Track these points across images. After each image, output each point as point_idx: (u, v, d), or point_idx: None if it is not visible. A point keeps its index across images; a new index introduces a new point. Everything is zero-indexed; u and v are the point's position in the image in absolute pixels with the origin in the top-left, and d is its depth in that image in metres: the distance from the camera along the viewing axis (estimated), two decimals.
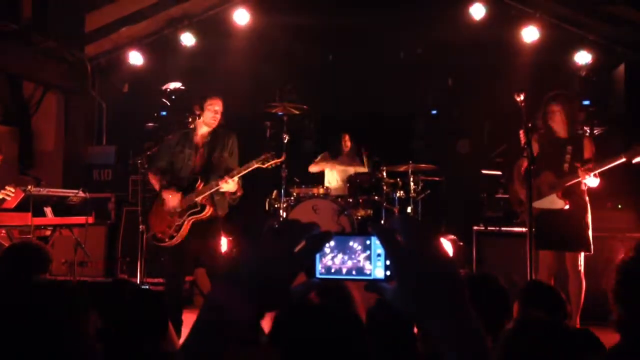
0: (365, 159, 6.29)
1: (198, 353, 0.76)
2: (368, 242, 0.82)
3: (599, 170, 3.95)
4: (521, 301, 2.05)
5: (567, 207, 4.07)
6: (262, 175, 4.48)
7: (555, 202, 4.11)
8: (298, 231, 0.79)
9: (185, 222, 4.02)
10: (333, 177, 6.43)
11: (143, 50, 6.97)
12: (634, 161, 3.79)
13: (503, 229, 5.29)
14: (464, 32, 6.38)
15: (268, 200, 5.98)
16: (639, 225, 4.87)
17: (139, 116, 7.11)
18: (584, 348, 1.30)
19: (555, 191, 4.12)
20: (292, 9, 6.55)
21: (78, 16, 6.48)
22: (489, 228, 5.38)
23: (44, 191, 4.88)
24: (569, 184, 4.08)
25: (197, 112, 4.12)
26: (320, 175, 6.53)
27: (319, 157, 6.50)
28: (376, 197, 5.78)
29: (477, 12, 6.35)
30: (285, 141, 5.38)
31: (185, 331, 3.95)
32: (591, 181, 4.01)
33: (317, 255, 0.82)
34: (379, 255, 0.81)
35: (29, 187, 4.67)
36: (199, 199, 4.02)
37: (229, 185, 3.98)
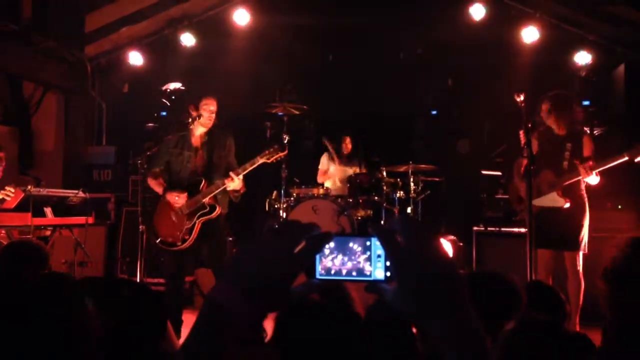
0: (364, 164, 6.28)
1: (198, 353, 0.76)
2: (368, 243, 0.82)
3: (601, 169, 3.96)
4: None
5: (567, 205, 4.07)
6: (262, 176, 4.49)
7: (556, 200, 4.11)
8: (298, 232, 0.79)
9: (197, 224, 4.03)
10: (333, 177, 6.43)
11: (143, 51, 6.97)
12: (636, 160, 3.80)
13: (503, 229, 5.29)
14: (464, 32, 6.38)
15: (268, 200, 5.98)
16: (639, 225, 4.87)
17: (139, 116, 7.11)
18: (584, 349, 1.30)
19: (555, 189, 4.12)
20: (292, 9, 6.55)
21: (78, 16, 6.48)
22: (488, 228, 5.38)
23: (43, 191, 4.88)
24: (569, 182, 4.08)
25: (193, 113, 4.11)
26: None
27: (320, 164, 6.49)
28: (376, 198, 5.78)
29: (477, 12, 6.35)
30: (285, 141, 5.38)
31: (185, 331, 3.95)
32: (592, 179, 4.01)
33: (317, 256, 0.82)
34: (379, 256, 0.81)
35: (29, 187, 4.67)
36: (205, 199, 4.02)
37: (235, 182, 3.99)
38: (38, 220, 4.83)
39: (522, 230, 4.89)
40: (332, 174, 6.41)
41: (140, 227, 4.09)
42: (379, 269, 0.81)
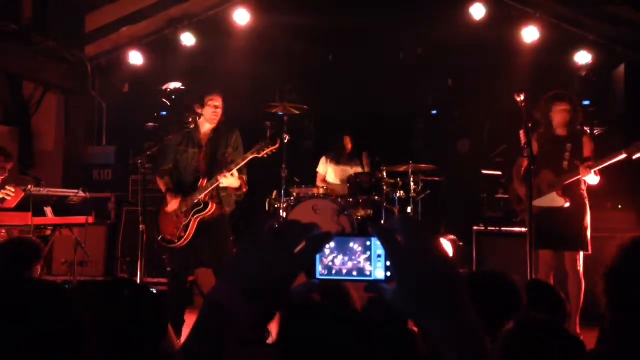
0: (365, 163, 6.27)
1: (198, 353, 0.76)
2: (368, 243, 0.82)
3: (600, 167, 3.96)
4: None
5: (567, 204, 4.07)
6: (262, 176, 4.48)
7: (556, 200, 4.11)
8: (298, 232, 0.79)
9: (192, 221, 4.04)
10: (333, 177, 6.42)
11: (143, 51, 6.97)
12: (634, 157, 3.80)
13: (503, 229, 5.29)
14: (464, 32, 6.38)
15: (268, 200, 5.97)
16: (639, 225, 4.87)
17: (139, 116, 7.11)
18: (581, 350, 1.30)
19: (555, 189, 4.12)
20: (292, 9, 6.56)
21: (78, 16, 6.48)
22: (489, 228, 5.38)
23: (44, 191, 4.88)
24: (568, 181, 4.08)
25: (198, 111, 4.12)
26: None
27: (319, 167, 6.47)
28: (376, 197, 5.77)
29: (477, 12, 6.35)
30: (286, 141, 5.38)
31: (186, 331, 3.95)
32: (592, 179, 4.02)
33: (318, 256, 0.82)
34: (379, 256, 0.81)
35: (29, 187, 4.67)
36: (201, 196, 4.03)
37: (229, 179, 3.97)
38: (38, 220, 4.84)
39: (523, 230, 4.89)
40: (332, 174, 6.40)
41: (141, 226, 4.09)
42: (379, 269, 0.81)
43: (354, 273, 0.82)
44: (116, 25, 6.66)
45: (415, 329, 1.54)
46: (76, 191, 5.25)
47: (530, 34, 6.33)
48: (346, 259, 0.82)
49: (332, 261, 0.82)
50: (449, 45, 6.58)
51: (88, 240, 5.25)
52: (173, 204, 4.09)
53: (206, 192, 4.02)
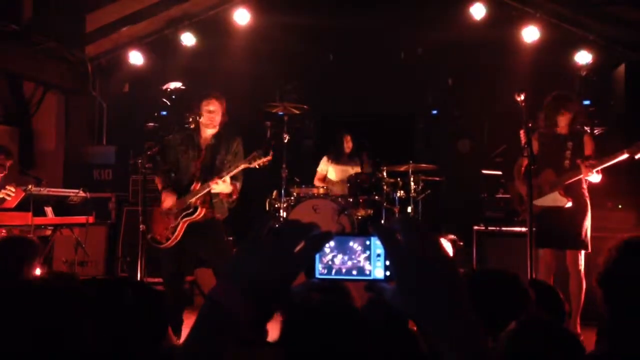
0: (365, 162, 6.27)
1: (198, 353, 0.77)
2: (368, 242, 0.82)
3: (602, 167, 3.96)
4: None
5: (569, 204, 4.08)
6: (263, 176, 4.48)
7: (558, 199, 4.11)
8: (298, 232, 0.79)
9: (180, 224, 4.03)
10: (333, 177, 6.42)
11: (143, 50, 6.97)
12: (636, 157, 3.81)
13: (503, 228, 5.29)
14: (464, 32, 6.38)
15: (268, 200, 5.98)
16: (639, 225, 4.87)
17: (139, 116, 7.12)
18: (583, 351, 1.30)
19: (557, 189, 4.12)
20: (292, 9, 6.56)
21: (78, 16, 6.48)
22: (489, 228, 5.38)
23: (44, 191, 4.88)
24: (570, 180, 4.09)
25: (192, 115, 4.12)
26: None
27: (319, 166, 6.47)
28: (376, 197, 5.77)
29: (478, 12, 6.35)
30: (286, 141, 5.38)
31: (185, 331, 3.95)
32: (593, 177, 4.02)
33: (317, 256, 0.82)
34: (378, 255, 0.81)
35: (30, 186, 4.68)
36: (192, 200, 4.02)
37: (220, 186, 3.97)
38: (39, 220, 4.84)
39: (523, 229, 4.89)
40: (333, 173, 6.40)
41: (141, 226, 4.09)
42: (378, 268, 0.81)
43: (354, 272, 0.82)
44: (116, 25, 6.67)
45: (415, 328, 1.54)
46: (76, 191, 5.26)
47: (530, 34, 6.33)
48: (346, 258, 0.82)
49: (331, 260, 0.82)
50: (449, 45, 6.59)
51: (88, 240, 5.25)
52: (169, 201, 4.08)
53: (197, 196, 4.01)
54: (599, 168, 3.96)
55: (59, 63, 6.69)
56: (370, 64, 7.19)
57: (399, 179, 5.91)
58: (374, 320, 1.25)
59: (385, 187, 5.75)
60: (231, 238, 5.27)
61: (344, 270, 0.82)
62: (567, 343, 1.31)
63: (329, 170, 6.42)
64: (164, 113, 7.17)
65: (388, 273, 0.80)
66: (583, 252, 4.10)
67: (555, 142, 4.26)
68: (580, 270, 4.07)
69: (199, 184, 4.02)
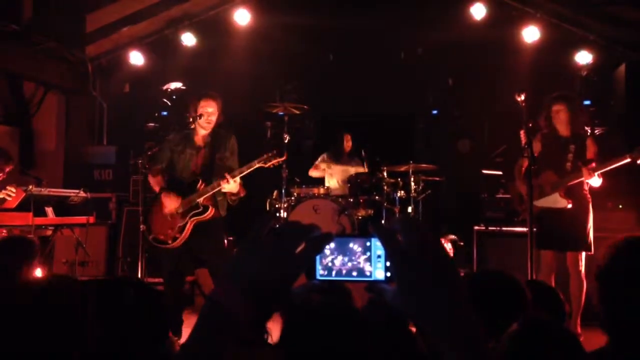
0: (364, 161, 6.28)
1: (198, 353, 0.77)
2: (368, 243, 0.82)
3: (603, 171, 3.96)
4: None
5: (569, 205, 4.08)
6: (263, 176, 4.48)
7: (558, 201, 4.12)
8: (298, 233, 0.79)
9: (188, 224, 4.03)
10: (333, 177, 6.42)
11: (144, 50, 6.97)
12: (638, 162, 3.80)
13: (504, 228, 5.29)
14: (464, 32, 6.38)
15: (269, 200, 5.98)
16: (639, 225, 4.87)
17: (139, 116, 7.12)
18: (584, 352, 1.30)
19: (558, 190, 4.13)
20: (292, 9, 6.56)
21: (79, 16, 6.48)
22: (489, 228, 5.38)
23: (44, 191, 4.88)
24: (571, 183, 4.09)
25: (193, 114, 4.12)
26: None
27: (318, 160, 6.47)
28: (377, 197, 5.78)
29: (478, 12, 6.35)
30: (286, 141, 5.38)
31: (185, 331, 3.96)
32: (594, 181, 4.02)
33: (318, 257, 0.82)
34: (379, 256, 0.81)
35: (30, 187, 4.68)
36: (200, 199, 4.02)
37: (231, 185, 3.97)
38: (39, 220, 4.84)
39: (523, 230, 4.89)
40: (332, 172, 6.40)
41: (142, 226, 4.09)
42: (379, 269, 0.81)
43: (354, 273, 0.82)
44: (117, 25, 6.67)
45: (414, 329, 1.54)
46: (77, 191, 5.26)
47: (530, 34, 6.33)
48: (346, 259, 0.82)
49: (332, 261, 0.82)
50: (449, 45, 6.58)
51: (89, 240, 5.25)
52: (172, 203, 4.07)
53: (206, 195, 4.01)
54: (600, 172, 3.96)
55: (59, 63, 6.69)
56: (370, 64, 7.19)
57: (399, 179, 5.91)
58: (374, 321, 1.26)
59: (385, 187, 5.75)
60: (231, 238, 5.28)
61: (344, 272, 0.82)
62: (568, 344, 1.31)
63: (325, 167, 6.41)
64: (165, 113, 7.17)
65: (388, 274, 0.80)
66: (584, 253, 4.10)
67: (557, 144, 4.26)
68: (580, 271, 4.07)
69: (204, 184, 4.03)
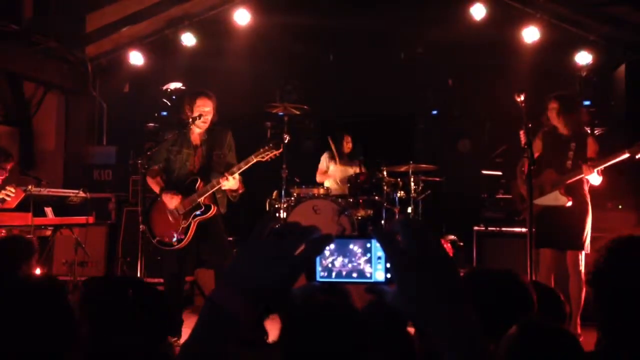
0: (362, 165, 6.27)
1: (198, 353, 0.77)
2: (368, 244, 0.82)
3: (603, 166, 3.97)
4: None
5: (569, 203, 4.08)
6: (263, 176, 4.48)
7: (558, 198, 4.12)
8: (298, 234, 0.79)
9: (192, 224, 4.02)
10: (333, 177, 6.42)
11: (144, 51, 6.97)
12: (637, 157, 3.81)
13: (503, 229, 5.29)
14: (464, 32, 6.38)
15: (268, 200, 5.98)
16: (639, 225, 4.87)
17: (139, 116, 7.12)
18: (583, 351, 1.30)
19: (558, 188, 4.13)
20: (292, 9, 6.56)
21: (79, 16, 6.48)
22: (489, 228, 5.38)
23: (44, 191, 4.88)
24: (571, 180, 4.09)
25: (188, 113, 4.11)
26: None
27: (321, 162, 6.47)
28: (377, 198, 5.77)
29: (478, 12, 6.34)
30: (286, 141, 5.37)
31: (185, 331, 3.95)
32: (594, 178, 4.02)
33: (318, 258, 0.82)
34: (379, 257, 0.81)
35: (30, 187, 4.67)
36: (201, 199, 4.01)
37: (230, 182, 3.97)
38: (39, 220, 4.84)
39: (523, 230, 4.90)
40: (332, 173, 6.41)
41: (141, 226, 4.09)
42: (379, 271, 0.81)
43: (354, 275, 0.82)
44: (117, 25, 6.66)
45: (412, 329, 1.54)
46: (76, 191, 5.26)
47: (530, 34, 6.33)
48: (346, 260, 0.82)
49: (332, 263, 0.82)
50: (449, 45, 6.59)
51: (88, 241, 5.25)
52: (173, 201, 4.06)
53: (207, 194, 4.01)
54: (599, 167, 3.97)
55: (59, 63, 6.69)
56: (370, 64, 7.19)
57: (399, 179, 5.91)
58: (373, 322, 1.26)
59: (385, 188, 5.75)
60: (231, 238, 5.28)
61: (344, 273, 0.82)
62: (568, 345, 1.31)
63: (330, 167, 6.42)
64: (164, 113, 7.17)
65: (389, 275, 0.80)
66: (583, 252, 4.10)
67: (558, 143, 4.26)
68: (580, 271, 4.07)
69: (202, 183, 4.02)
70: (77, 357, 1.40)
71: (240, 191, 4.15)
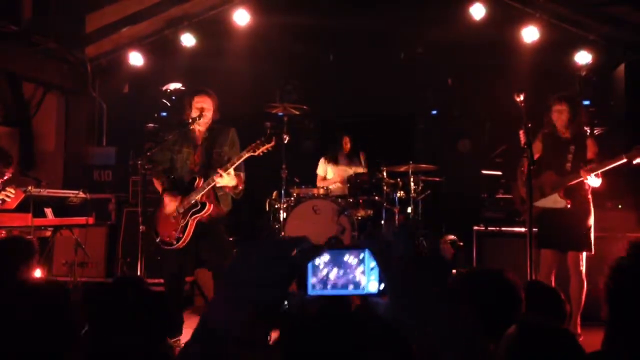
0: (363, 161, 6.28)
1: (198, 354, 0.77)
2: (361, 255, 0.81)
3: (600, 171, 3.97)
4: None
5: (568, 206, 4.09)
6: (263, 176, 4.48)
7: (558, 201, 4.12)
8: (289, 246, 0.79)
9: (190, 222, 4.03)
10: (333, 177, 6.42)
11: (143, 51, 6.97)
12: (634, 162, 3.81)
13: (503, 229, 5.29)
14: (464, 32, 6.38)
15: (268, 200, 5.98)
16: (639, 225, 4.87)
17: (139, 117, 7.12)
18: (584, 353, 1.30)
19: (557, 190, 4.13)
20: (292, 9, 6.56)
21: (78, 17, 6.48)
22: (489, 228, 5.38)
23: (44, 192, 4.88)
24: (570, 183, 4.09)
25: (188, 113, 4.12)
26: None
27: (318, 168, 6.46)
28: (376, 198, 5.78)
29: (477, 12, 6.35)
30: (285, 141, 5.37)
31: (185, 330, 3.95)
32: (593, 181, 4.03)
33: (311, 271, 0.81)
34: (372, 268, 0.80)
35: (29, 188, 4.67)
36: (198, 197, 4.02)
37: (225, 179, 3.95)
38: (38, 221, 4.83)
39: (523, 230, 4.89)
40: (332, 175, 6.40)
41: (141, 227, 4.08)
42: (372, 282, 0.80)
43: (350, 287, 0.81)
44: (116, 25, 6.67)
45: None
46: (76, 192, 5.25)
47: (530, 34, 6.33)
48: (341, 272, 0.81)
49: (327, 275, 0.81)
50: (449, 45, 6.59)
51: (88, 241, 5.25)
52: (171, 205, 4.08)
53: (203, 192, 4.01)
54: (597, 172, 3.97)
55: (59, 63, 6.69)
56: (370, 64, 7.19)
57: (399, 180, 5.91)
58: (369, 320, 1.25)
59: (385, 188, 5.75)
60: (231, 238, 5.27)
61: (339, 285, 0.81)
62: (567, 345, 1.31)
63: (327, 170, 6.43)
64: (164, 114, 7.17)
65: (382, 286, 0.79)
66: (584, 253, 4.10)
67: (558, 145, 4.27)
68: (581, 271, 4.07)
69: (202, 180, 4.02)
70: (77, 357, 1.40)
71: (241, 187, 4.14)
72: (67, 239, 5.29)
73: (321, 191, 5.80)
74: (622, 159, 3.86)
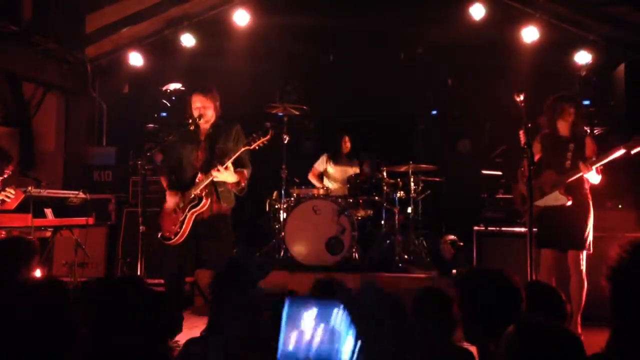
0: (365, 168, 6.27)
1: (198, 354, 0.77)
2: (336, 310, 0.80)
3: (600, 164, 3.97)
4: None
5: (570, 202, 4.09)
6: (263, 176, 4.48)
7: (559, 198, 4.12)
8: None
9: (188, 217, 4.04)
10: (333, 177, 6.42)
11: (143, 51, 6.97)
12: (633, 152, 3.81)
13: (503, 229, 5.29)
14: (464, 32, 6.38)
15: (268, 201, 5.98)
16: (639, 225, 4.87)
17: (139, 117, 7.12)
18: (584, 352, 1.30)
19: (558, 188, 4.13)
20: (292, 9, 6.56)
21: (78, 17, 6.48)
22: (489, 228, 5.37)
23: (44, 192, 4.88)
24: (571, 179, 4.10)
25: (188, 112, 4.15)
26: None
27: (318, 162, 6.47)
28: (376, 198, 5.78)
29: (477, 12, 6.35)
30: (286, 142, 5.37)
31: (185, 330, 3.95)
32: (592, 177, 4.03)
33: (284, 330, 0.80)
34: (346, 331, 0.79)
35: (29, 188, 4.67)
36: (197, 191, 4.03)
37: (223, 174, 3.95)
38: (38, 221, 4.83)
39: (523, 229, 4.89)
40: (332, 174, 6.40)
41: (141, 227, 4.08)
42: (349, 337, 0.79)
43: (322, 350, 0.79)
44: (116, 25, 6.67)
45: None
46: (76, 192, 5.25)
47: (530, 34, 6.33)
48: (315, 333, 0.80)
49: (300, 336, 0.80)
50: (449, 45, 6.59)
51: (88, 242, 5.25)
52: (171, 200, 4.13)
53: (201, 187, 4.02)
54: (597, 165, 3.97)
55: (59, 64, 6.69)
56: (370, 64, 7.19)
57: (399, 180, 5.91)
58: (366, 304, 1.25)
59: (385, 188, 5.75)
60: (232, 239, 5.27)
61: (311, 348, 0.80)
62: (568, 345, 1.31)
63: (327, 169, 6.42)
64: (164, 114, 7.17)
65: (359, 343, 0.78)
66: (584, 252, 4.10)
67: (557, 144, 4.27)
68: (581, 271, 4.07)
69: (203, 175, 4.04)
70: (77, 357, 1.40)
71: (243, 184, 4.14)
72: (67, 239, 5.29)
73: (321, 191, 5.80)
74: (620, 149, 3.86)
